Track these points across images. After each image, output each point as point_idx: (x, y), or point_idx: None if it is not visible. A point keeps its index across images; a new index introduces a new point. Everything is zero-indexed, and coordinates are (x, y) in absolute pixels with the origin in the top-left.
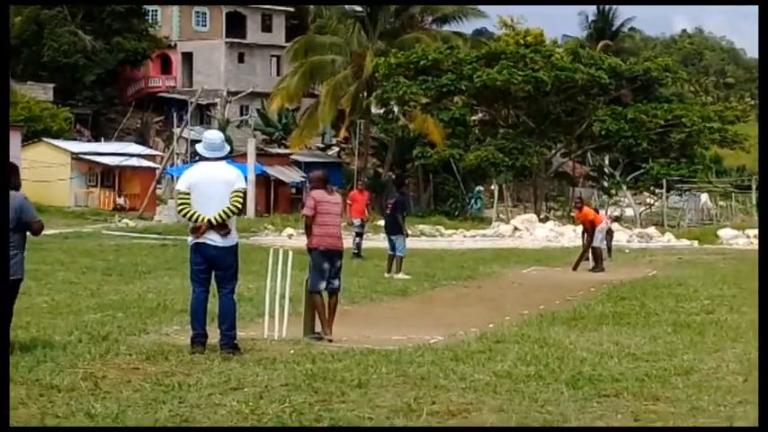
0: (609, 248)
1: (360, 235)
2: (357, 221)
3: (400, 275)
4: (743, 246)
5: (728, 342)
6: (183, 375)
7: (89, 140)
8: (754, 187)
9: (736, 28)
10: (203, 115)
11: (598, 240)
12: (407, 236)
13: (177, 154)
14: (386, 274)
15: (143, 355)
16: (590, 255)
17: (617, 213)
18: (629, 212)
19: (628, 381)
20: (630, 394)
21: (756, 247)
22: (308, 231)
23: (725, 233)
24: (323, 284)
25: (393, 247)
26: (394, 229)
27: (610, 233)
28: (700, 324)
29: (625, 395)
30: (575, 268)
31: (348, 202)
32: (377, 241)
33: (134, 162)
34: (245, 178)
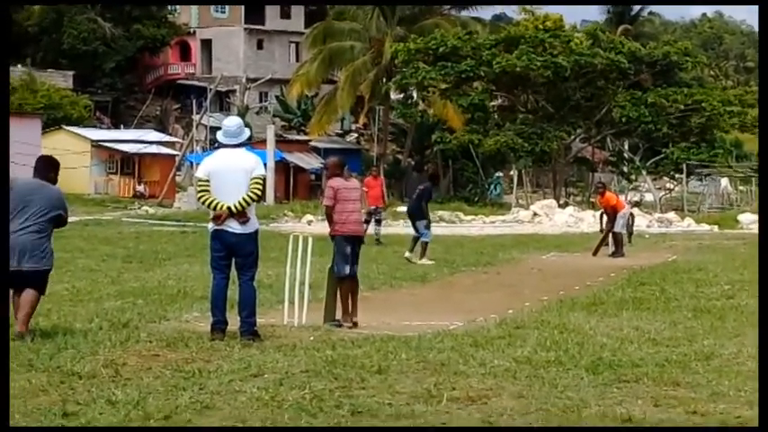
0: (629, 233)
1: (378, 222)
2: (373, 208)
3: (424, 260)
4: None
5: (749, 327)
6: (204, 362)
7: (109, 128)
8: None
9: (757, 12)
10: (222, 102)
11: (619, 226)
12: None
13: (197, 141)
14: (406, 254)
15: (163, 341)
16: (610, 240)
17: (637, 198)
18: (648, 197)
19: (648, 366)
20: (651, 379)
21: None
22: (330, 220)
23: (745, 218)
24: (347, 269)
25: (418, 231)
26: (417, 215)
27: (631, 217)
28: (720, 309)
29: (645, 380)
30: (595, 253)
31: (364, 189)
32: (396, 227)
33: (153, 149)
34: (265, 165)
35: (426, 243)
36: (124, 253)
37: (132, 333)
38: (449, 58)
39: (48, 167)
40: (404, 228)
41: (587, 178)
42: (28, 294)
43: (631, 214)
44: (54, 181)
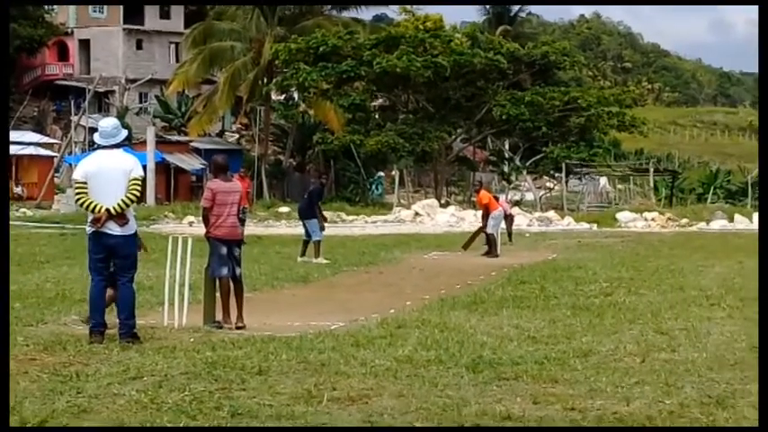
0: (509, 233)
1: (241, 222)
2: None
3: (320, 260)
4: (641, 229)
5: (626, 324)
6: (82, 365)
7: None
8: (651, 170)
9: (634, 12)
10: (102, 103)
11: (490, 227)
12: (325, 221)
13: (75, 142)
14: (299, 258)
15: (41, 345)
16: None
17: (517, 198)
18: (528, 197)
19: (527, 364)
20: (530, 377)
21: (654, 230)
22: (206, 221)
23: (623, 216)
24: (224, 270)
25: (308, 233)
26: (307, 213)
27: (510, 218)
28: (598, 307)
29: (525, 378)
30: (465, 247)
31: None
32: (279, 228)
33: (31, 150)
34: (145, 166)
35: (318, 242)
36: None
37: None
38: (329, 58)
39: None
40: (286, 228)
41: (468, 178)
42: None
43: (510, 215)
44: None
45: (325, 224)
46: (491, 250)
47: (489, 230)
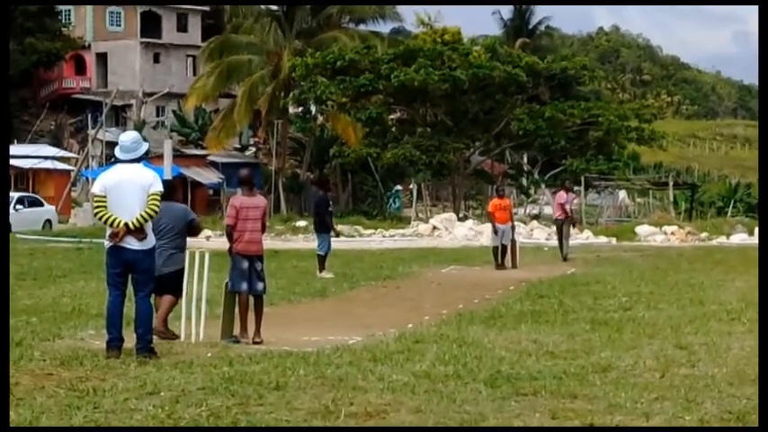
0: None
1: None
2: None
3: (323, 274)
4: (660, 242)
5: (645, 339)
6: (99, 380)
7: None
8: (671, 184)
9: (653, 24)
10: (119, 117)
11: (495, 239)
12: (337, 235)
13: (92, 156)
14: (317, 273)
15: (57, 360)
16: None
17: (535, 211)
18: (547, 210)
19: (546, 379)
20: (548, 392)
21: (674, 244)
22: (230, 238)
23: (642, 230)
24: (244, 285)
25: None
26: (317, 227)
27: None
28: (617, 321)
29: (543, 393)
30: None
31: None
32: (296, 242)
33: (48, 164)
34: (162, 180)
35: (321, 256)
36: (18, 270)
37: (25, 352)
38: (347, 72)
39: (169, 191)
40: (303, 242)
41: (486, 191)
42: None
43: (571, 218)
44: (179, 200)
45: (338, 237)
46: (499, 262)
47: (494, 243)
